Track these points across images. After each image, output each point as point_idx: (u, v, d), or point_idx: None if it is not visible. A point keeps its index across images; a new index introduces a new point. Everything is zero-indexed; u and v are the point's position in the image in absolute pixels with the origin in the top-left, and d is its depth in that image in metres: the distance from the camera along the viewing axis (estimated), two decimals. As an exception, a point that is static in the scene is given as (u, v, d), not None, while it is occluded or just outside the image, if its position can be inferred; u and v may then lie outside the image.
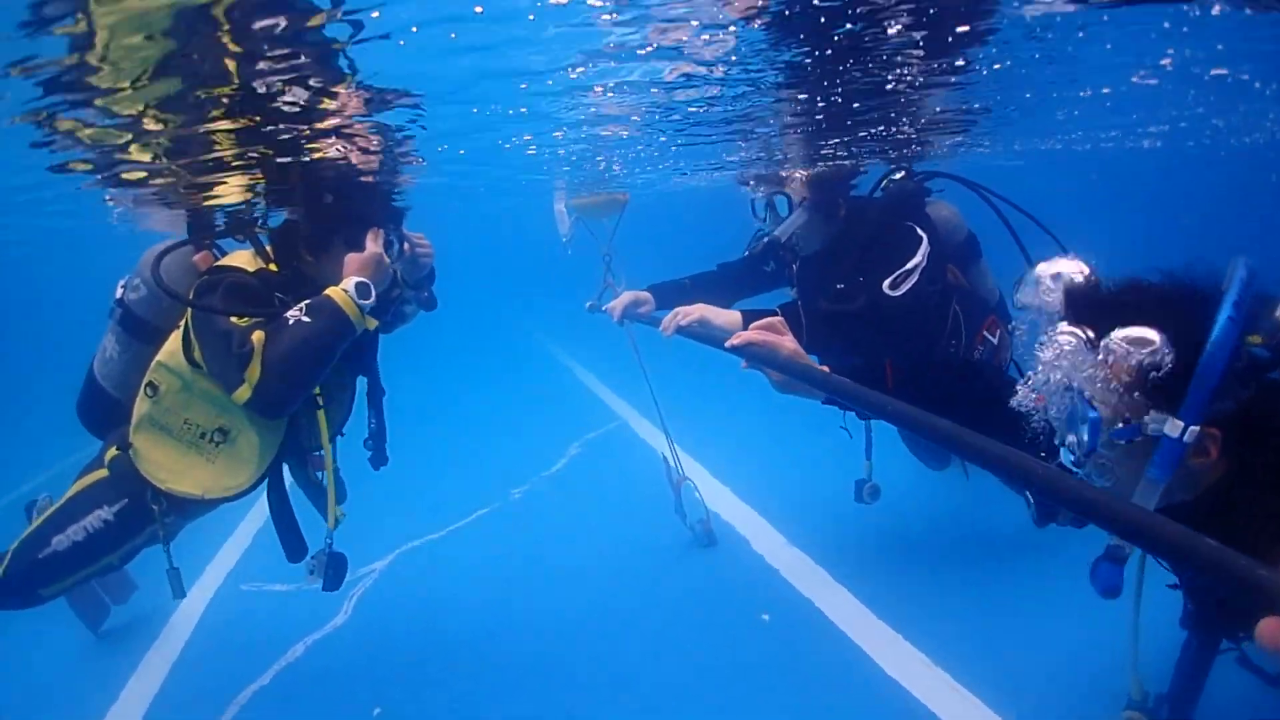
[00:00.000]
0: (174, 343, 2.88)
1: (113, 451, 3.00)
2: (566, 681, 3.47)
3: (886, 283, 3.38)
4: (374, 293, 2.82)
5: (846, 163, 5.66)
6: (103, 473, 3.01)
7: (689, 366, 6.65)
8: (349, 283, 2.78)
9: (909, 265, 3.40)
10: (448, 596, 4.36)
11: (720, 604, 3.97)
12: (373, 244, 2.90)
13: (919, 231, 3.51)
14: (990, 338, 3.88)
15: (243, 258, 2.95)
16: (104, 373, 3.12)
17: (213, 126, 2.92)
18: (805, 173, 3.98)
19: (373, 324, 2.87)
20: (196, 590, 4.70)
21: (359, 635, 4.02)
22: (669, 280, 4.02)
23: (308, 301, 2.74)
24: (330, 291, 2.76)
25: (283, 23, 2.01)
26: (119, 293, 3.07)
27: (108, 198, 4.71)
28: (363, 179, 4.41)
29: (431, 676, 3.61)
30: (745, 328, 3.04)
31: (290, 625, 4.09)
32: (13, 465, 7.91)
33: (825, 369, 2.36)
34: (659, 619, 3.90)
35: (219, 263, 2.96)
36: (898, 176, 3.96)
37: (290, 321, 2.68)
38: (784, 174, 4.23)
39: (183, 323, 2.86)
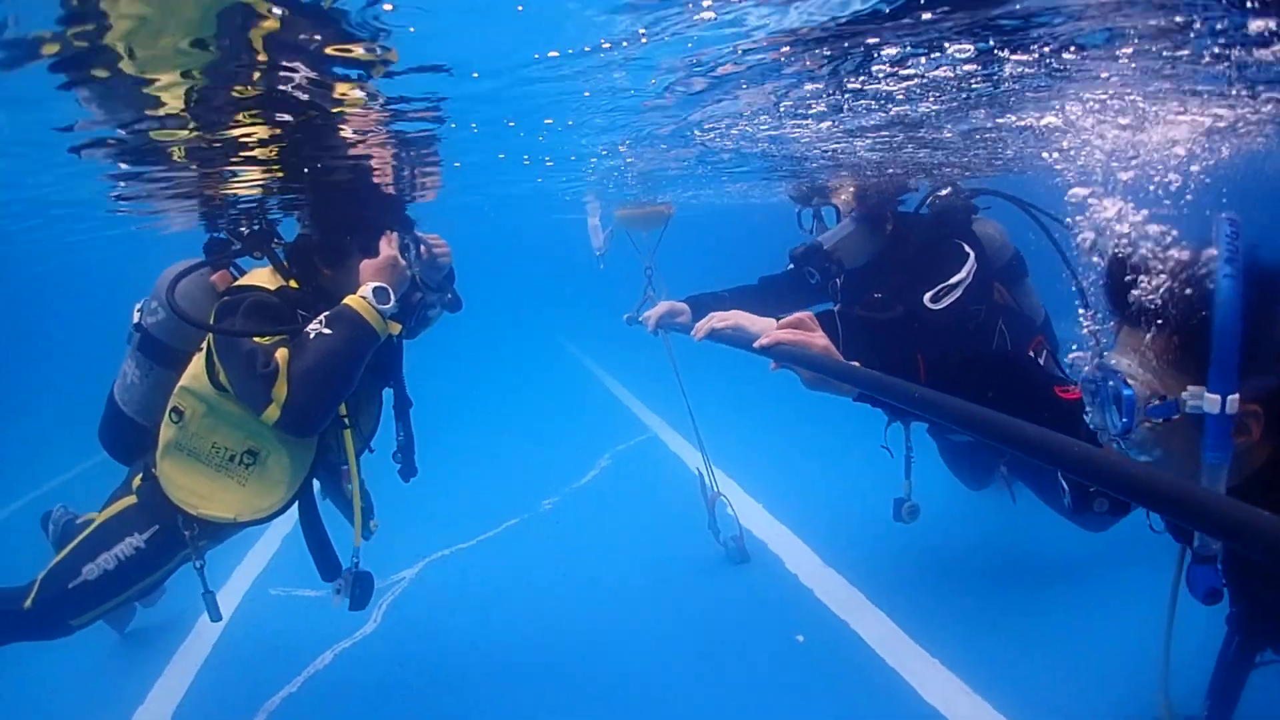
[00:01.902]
0: (197, 366, 2.83)
1: (140, 478, 2.96)
2: (596, 698, 3.41)
3: (928, 296, 3.32)
4: (393, 297, 2.77)
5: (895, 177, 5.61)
6: (131, 499, 2.96)
7: (722, 380, 6.61)
8: (366, 289, 2.73)
9: (952, 280, 3.34)
10: (477, 607, 4.32)
11: (753, 623, 3.90)
12: (387, 248, 2.86)
13: (966, 248, 3.45)
14: (1036, 358, 3.80)
15: (262, 275, 2.90)
16: (125, 398, 3.06)
17: (235, 129, 2.92)
18: (854, 185, 3.94)
19: (396, 329, 2.83)
20: (224, 593, 4.70)
21: (388, 645, 3.99)
22: (707, 292, 3.97)
23: (327, 313, 2.68)
24: (349, 300, 2.71)
25: (316, 37, 2.01)
26: (136, 317, 3.02)
27: (115, 194, 4.69)
28: (377, 187, 4.40)
29: (460, 689, 3.57)
30: None
31: (319, 632, 4.07)
32: (25, 471, 7.94)
33: (856, 364, 2.30)
34: (691, 636, 3.84)
35: (238, 282, 2.91)
36: (943, 193, 3.89)
37: (312, 336, 2.62)
38: (832, 184, 4.19)
39: (205, 345, 2.82)
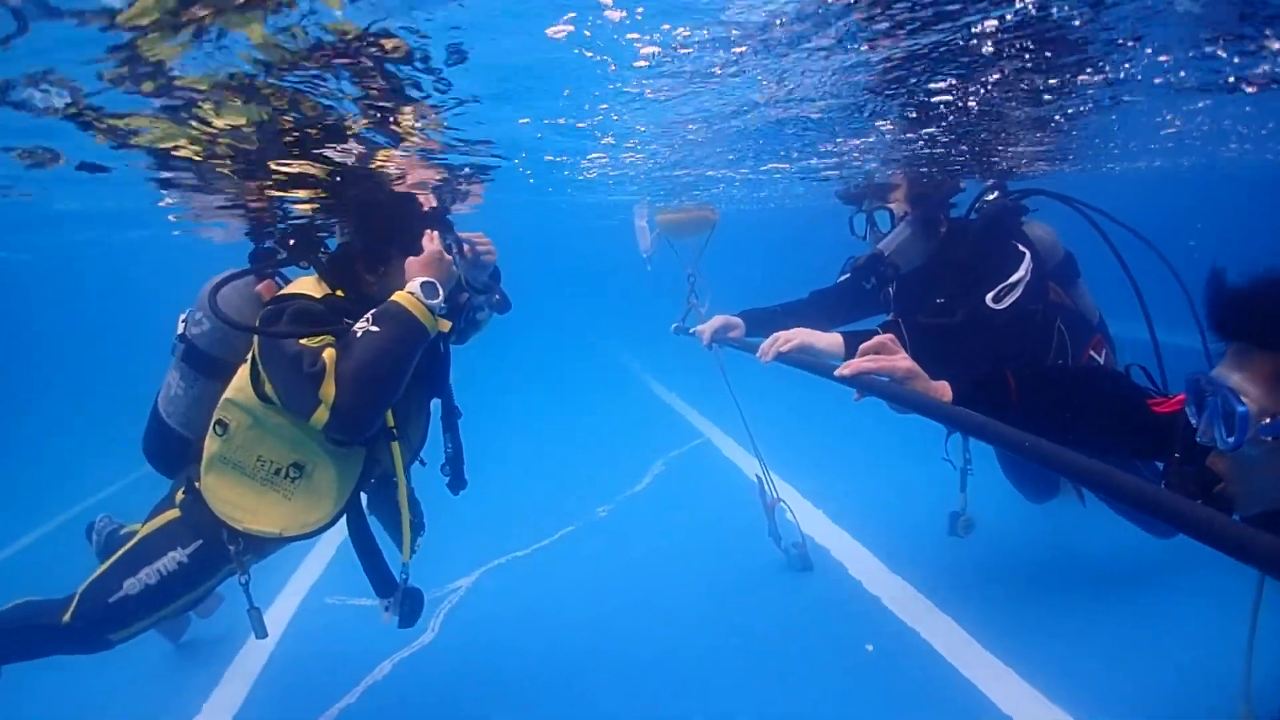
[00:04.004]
0: (241, 378, 2.76)
1: (183, 492, 2.90)
2: (660, 709, 3.34)
3: (989, 296, 3.25)
4: (441, 292, 2.67)
5: (946, 173, 5.49)
6: (174, 513, 2.89)
7: (772, 385, 6.48)
8: (414, 284, 2.64)
9: (1012, 279, 3.27)
10: (535, 616, 4.27)
11: (821, 632, 3.80)
12: (431, 243, 2.77)
13: (1021, 248, 3.38)
14: (1096, 357, 3.68)
15: (307, 284, 2.82)
16: (169, 410, 2.99)
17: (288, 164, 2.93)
18: (905, 187, 3.85)
19: (446, 326, 2.73)
20: (280, 602, 4.70)
21: (446, 655, 3.94)
22: (759, 308, 3.88)
23: (374, 311, 2.59)
24: (396, 296, 2.61)
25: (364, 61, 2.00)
26: (180, 327, 2.96)
27: (164, 201, 4.74)
28: (416, 197, 4.38)
29: (521, 700, 3.51)
30: (848, 350, 2.90)
31: (376, 641, 4.01)
32: (75, 482, 8.00)
33: (944, 384, 2.20)
34: (757, 646, 3.75)
35: (283, 291, 2.83)
36: (991, 197, 3.79)
37: (359, 334, 2.53)
38: (885, 183, 4.10)
39: (249, 356, 2.74)
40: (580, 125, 3.66)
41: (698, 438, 7.87)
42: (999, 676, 3.30)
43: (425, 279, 2.66)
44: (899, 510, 5.21)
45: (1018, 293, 3.24)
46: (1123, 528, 3.73)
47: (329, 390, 2.45)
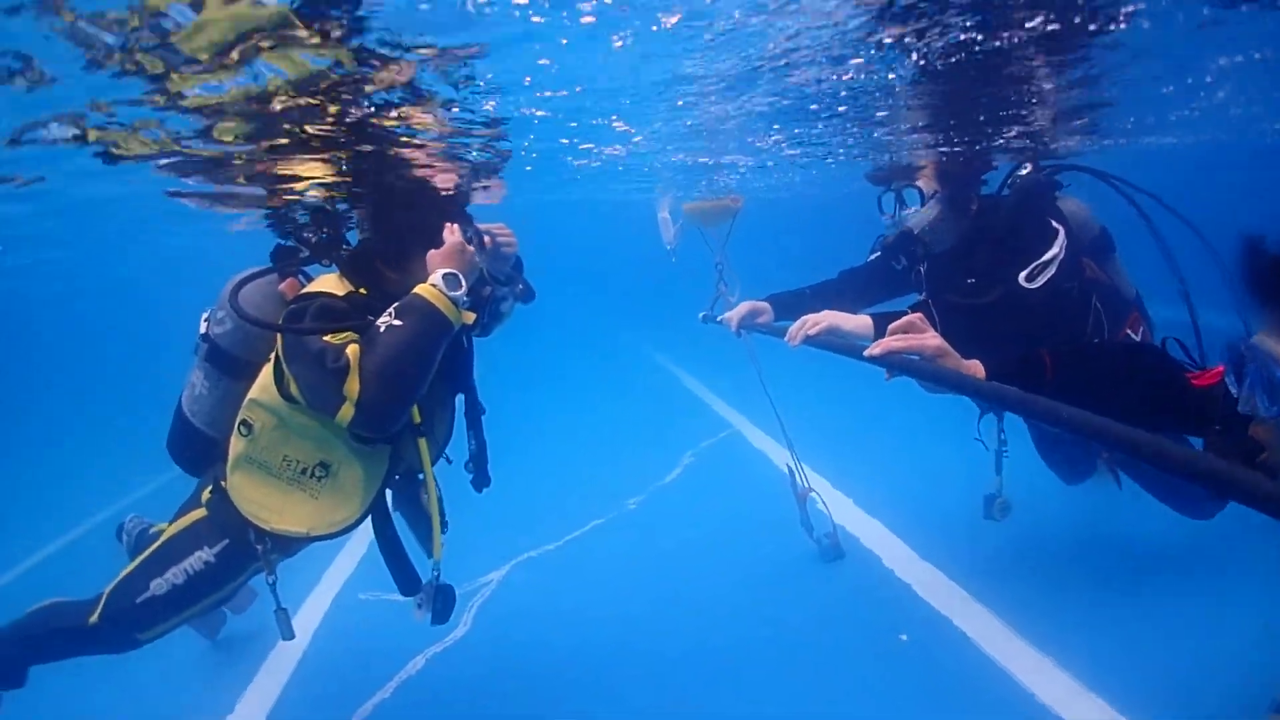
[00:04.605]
0: (265, 377, 2.75)
1: (209, 491, 2.90)
2: (695, 700, 3.32)
3: (1023, 275, 3.19)
4: (464, 283, 2.65)
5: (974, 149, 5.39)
6: (201, 513, 2.90)
7: (802, 373, 6.44)
8: (435, 276, 2.61)
9: (1046, 257, 3.20)
10: (568, 609, 4.26)
11: (855, 622, 3.76)
12: (451, 235, 2.75)
13: (1054, 224, 3.31)
14: (1133, 335, 3.61)
15: (330, 282, 2.80)
16: (194, 410, 2.97)
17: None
18: (933, 165, 3.78)
19: (470, 318, 2.71)
20: (313, 599, 4.74)
21: (480, 649, 3.95)
22: (787, 291, 3.84)
23: (396, 305, 2.57)
24: (419, 289, 2.59)
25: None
26: (203, 327, 2.94)
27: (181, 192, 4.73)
28: (436, 190, 4.37)
29: (551, 693, 3.51)
30: (877, 331, 2.85)
31: (409, 637, 4.02)
32: (109, 484, 8.12)
33: (976, 362, 2.16)
34: (791, 636, 3.72)
35: (306, 289, 2.82)
36: (1024, 172, 3.71)
37: (382, 329, 2.51)
38: (914, 164, 4.03)
39: (273, 355, 2.72)
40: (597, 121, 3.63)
41: (726, 429, 7.83)
42: (1038, 666, 3.24)
43: (447, 270, 2.65)
44: (929, 496, 5.15)
45: (1052, 270, 3.18)
46: (1159, 511, 3.65)
47: (354, 387, 2.44)
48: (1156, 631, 3.40)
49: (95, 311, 23.51)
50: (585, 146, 4.71)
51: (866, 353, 2.26)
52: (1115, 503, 4.17)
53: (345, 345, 2.51)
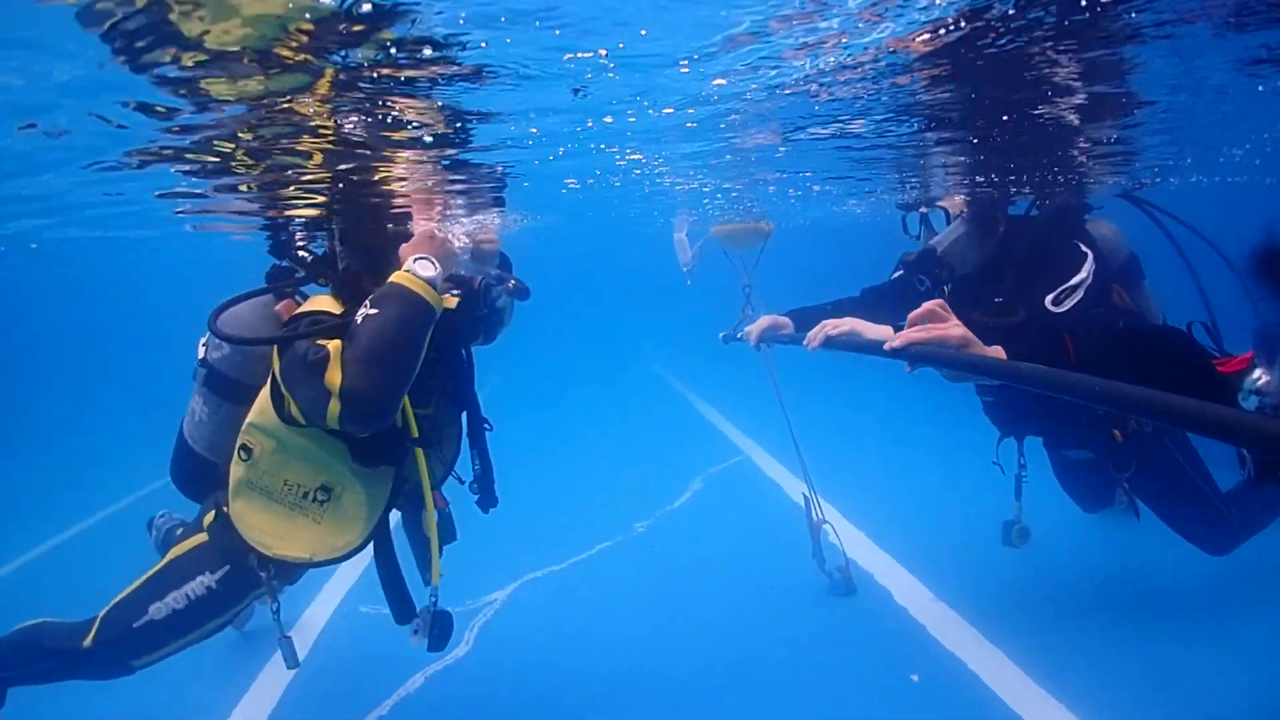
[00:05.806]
0: (264, 400, 2.71)
1: (211, 516, 2.85)
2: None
3: (1049, 298, 3.14)
4: (436, 266, 2.60)
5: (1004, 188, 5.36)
6: (202, 537, 2.85)
7: (817, 400, 6.39)
8: (408, 263, 2.59)
9: (1073, 281, 3.16)
10: (570, 632, 4.19)
11: (864, 659, 3.68)
12: (419, 226, 2.74)
13: (1083, 248, 3.26)
14: None
15: (324, 301, 2.78)
16: (194, 435, 2.92)
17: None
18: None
19: (451, 302, 2.70)
20: (313, 609, 4.68)
21: (480, 669, 3.88)
22: (809, 305, 3.79)
23: (371, 295, 2.54)
24: (394, 277, 2.56)
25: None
26: (201, 352, 2.91)
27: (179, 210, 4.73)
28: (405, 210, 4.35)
29: (553, 715, 3.45)
30: None
31: (409, 652, 3.88)
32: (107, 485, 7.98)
33: (998, 349, 2.08)
34: (797, 671, 3.64)
35: (301, 308, 2.78)
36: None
37: (360, 319, 2.48)
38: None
39: (270, 375, 2.68)
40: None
41: (737, 455, 7.75)
42: (1051, 712, 3.15)
43: (418, 255, 2.62)
44: (943, 525, 5.10)
45: (1079, 295, 3.13)
46: (1175, 544, 3.60)
47: (334, 377, 2.39)
48: (1168, 676, 3.34)
49: (99, 309, 23.64)
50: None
51: (888, 345, 2.19)
52: (1137, 539, 4.08)
53: (328, 342, 2.48)
